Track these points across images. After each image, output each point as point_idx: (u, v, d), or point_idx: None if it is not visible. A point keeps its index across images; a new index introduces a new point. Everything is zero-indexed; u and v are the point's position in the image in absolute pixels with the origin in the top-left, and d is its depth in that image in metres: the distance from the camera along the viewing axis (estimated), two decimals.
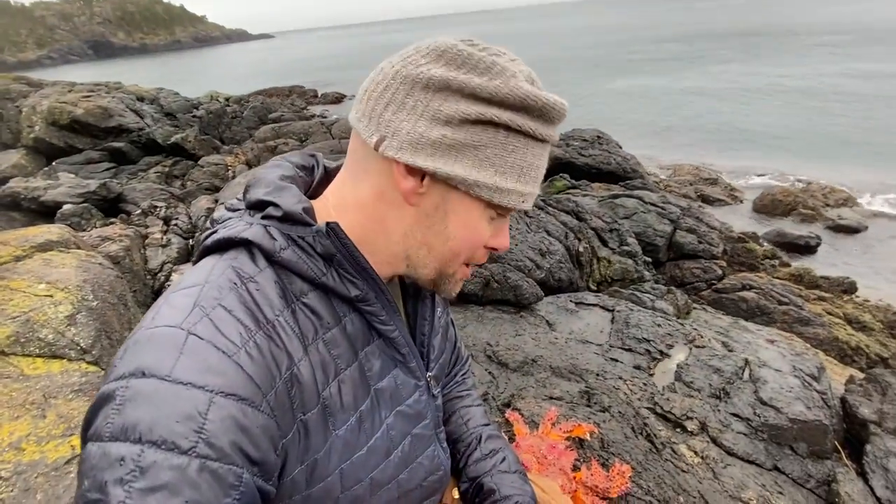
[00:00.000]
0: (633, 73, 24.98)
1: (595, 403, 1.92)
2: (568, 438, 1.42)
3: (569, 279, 3.82)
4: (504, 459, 0.84)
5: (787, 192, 8.56)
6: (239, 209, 0.60)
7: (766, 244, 6.62)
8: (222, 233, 0.56)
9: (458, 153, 0.53)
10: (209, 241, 0.57)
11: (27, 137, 7.51)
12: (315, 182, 0.68)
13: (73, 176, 6.35)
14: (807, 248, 7.02)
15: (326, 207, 0.61)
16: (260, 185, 0.59)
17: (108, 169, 7.40)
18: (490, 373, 2.09)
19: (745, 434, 2.15)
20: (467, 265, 0.64)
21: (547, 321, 3.07)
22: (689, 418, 2.22)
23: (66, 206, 4.93)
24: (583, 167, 7.62)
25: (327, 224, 0.54)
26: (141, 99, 9.14)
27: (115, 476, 0.40)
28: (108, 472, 0.40)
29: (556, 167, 7.68)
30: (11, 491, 1.03)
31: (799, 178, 9.73)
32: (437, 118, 0.52)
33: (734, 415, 2.25)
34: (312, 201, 0.62)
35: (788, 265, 5.95)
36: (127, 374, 0.44)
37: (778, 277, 5.43)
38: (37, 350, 1.43)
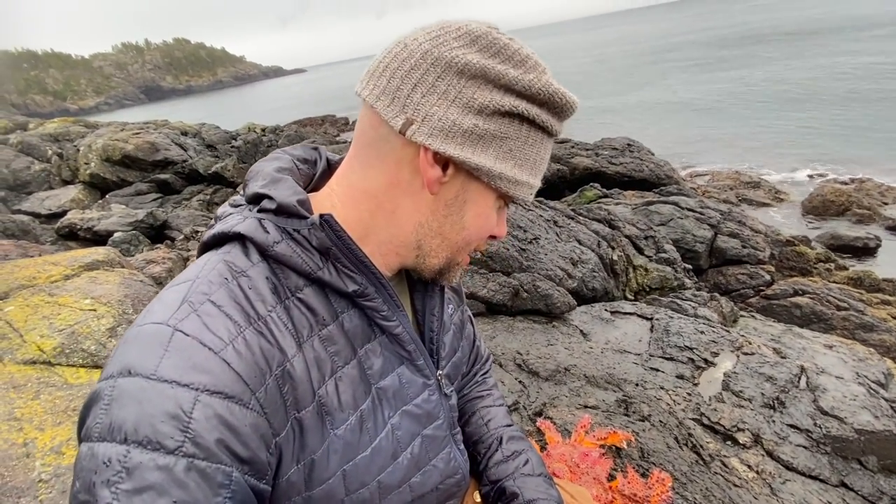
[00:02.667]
0: (667, 80, 24.52)
1: (633, 412, 1.81)
2: (602, 446, 1.34)
3: (603, 288, 3.70)
4: (527, 462, 0.80)
5: (838, 191, 8.04)
6: (241, 204, 0.58)
7: (818, 247, 6.21)
8: (218, 227, 0.55)
9: (486, 143, 0.52)
10: (206, 236, 0.56)
11: (84, 174, 8.15)
12: (317, 175, 0.66)
13: (123, 207, 6.79)
14: (865, 250, 6.54)
15: (331, 197, 0.59)
16: (257, 178, 0.58)
17: (155, 199, 7.89)
18: (520, 381, 2.02)
19: (804, 447, 1.97)
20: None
21: (581, 331, 2.97)
22: (740, 430, 2.06)
23: (116, 234, 5.26)
24: (614, 176, 7.46)
25: (321, 216, 0.52)
26: (185, 133, 9.75)
27: (102, 477, 0.39)
28: (95, 473, 0.40)
29: (587, 177, 7.55)
30: (50, 493, 1.07)
31: (851, 177, 9.15)
32: (470, 106, 0.50)
33: (791, 426, 2.07)
34: (316, 193, 0.61)
35: (846, 268, 5.54)
36: (115, 374, 0.43)
37: (834, 281, 5.06)
38: (80, 360, 1.51)
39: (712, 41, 41.19)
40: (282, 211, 0.53)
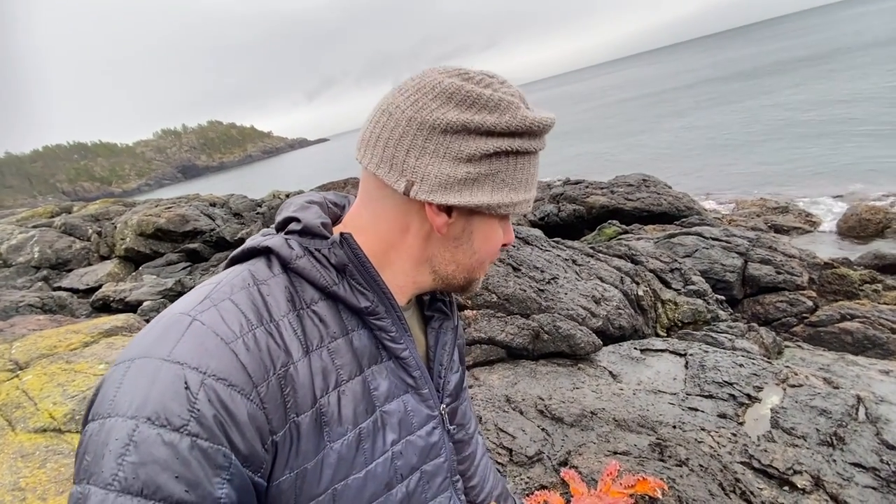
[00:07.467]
0: (678, 118, 24.81)
1: (669, 457, 1.65)
2: (633, 496, 1.20)
3: (631, 326, 3.53)
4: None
5: (875, 209, 7.69)
6: (271, 233, 0.62)
7: (860, 268, 5.84)
8: (248, 243, 0.60)
9: (480, 184, 0.57)
10: (236, 251, 0.61)
11: (120, 248, 8.61)
12: (344, 216, 0.69)
13: (155, 277, 7.08)
14: None
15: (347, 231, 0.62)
16: (289, 206, 0.64)
17: (184, 268, 8.19)
18: (543, 429, 1.89)
19: (874, 488, 1.74)
20: None
21: (610, 372, 2.80)
22: (797, 472, 1.85)
23: (145, 303, 5.44)
24: (632, 212, 7.38)
25: (341, 234, 0.57)
26: (213, 204, 10.28)
27: (110, 449, 0.41)
28: (105, 445, 0.41)
29: (604, 215, 7.49)
30: None
31: (884, 194, 8.77)
32: (459, 158, 0.56)
33: (855, 464, 1.84)
34: (335, 227, 0.65)
35: (895, 288, 5.16)
36: (133, 356, 0.46)
37: (885, 303, 4.71)
38: None
39: (718, 76, 41.83)
40: (306, 232, 0.58)
